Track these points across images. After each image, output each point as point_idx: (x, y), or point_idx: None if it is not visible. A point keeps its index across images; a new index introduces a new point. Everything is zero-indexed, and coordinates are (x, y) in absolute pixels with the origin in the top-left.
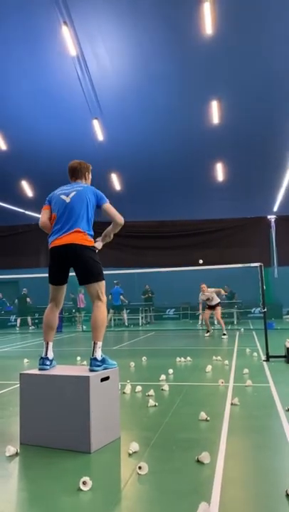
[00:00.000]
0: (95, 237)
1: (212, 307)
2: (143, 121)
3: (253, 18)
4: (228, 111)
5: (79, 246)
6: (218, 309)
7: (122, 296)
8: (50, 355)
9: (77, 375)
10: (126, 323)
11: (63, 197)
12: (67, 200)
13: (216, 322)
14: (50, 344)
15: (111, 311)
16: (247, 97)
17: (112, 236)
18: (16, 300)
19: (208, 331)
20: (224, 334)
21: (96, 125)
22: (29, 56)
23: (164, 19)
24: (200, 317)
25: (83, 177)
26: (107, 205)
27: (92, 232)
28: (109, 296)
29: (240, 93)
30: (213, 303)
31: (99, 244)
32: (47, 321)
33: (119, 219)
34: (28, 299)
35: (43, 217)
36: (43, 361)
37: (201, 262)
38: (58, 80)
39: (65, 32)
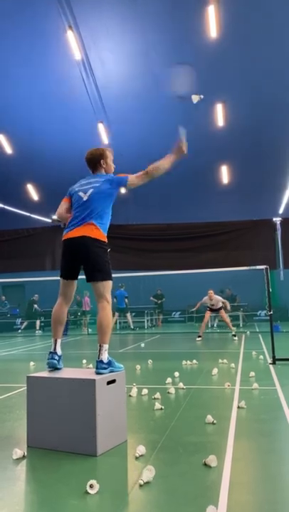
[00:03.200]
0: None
1: (214, 310)
2: (148, 124)
3: (259, 21)
4: (233, 114)
5: (90, 239)
6: (223, 311)
7: (126, 299)
8: (59, 351)
9: (83, 378)
10: (131, 326)
11: (81, 194)
12: (85, 198)
13: (215, 326)
14: (59, 341)
15: (116, 313)
16: (252, 99)
17: (162, 169)
18: (27, 304)
19: (200, 336)
20: (234, 335)
21: (101, 128)
22: (34, 60)
23: (169, 22)
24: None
25: (100, 166)
26: (132, 178)
27: (106, 226)
28: (114, 299)
29: (245, 96)
30: (217, 307)
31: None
32: (56, 316)
33: (158, 166)
34: (35, 306)
35: (60, 208)
36: (52, 355)
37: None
38: (63, 83)
39: (70, 36)
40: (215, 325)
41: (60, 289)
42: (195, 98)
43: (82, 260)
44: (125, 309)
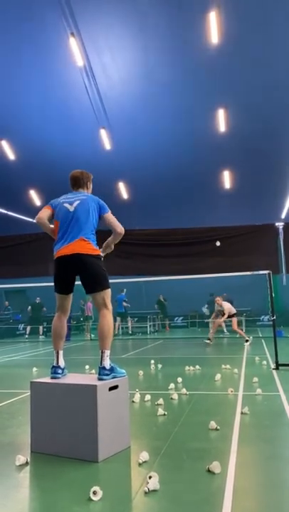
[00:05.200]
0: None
1: (228, 317)
2: (150, 130)
3: (259, 27)
4: (235, 119)
5: (84, 255)
6: (234, 320)
7: (124, 303)
8: (62, 363)
9: (85, 384)
10: (130, 331)
11: (67, 205)
12: (71, 208)
13: (225, 330)
14: (61, 352)
15: (118, 318)
16: (253, 104)
17: (112, 247)
18: (30, 307)
19: (209, 339)
20: (247, 340)
21: (103, 134)
22: (37, 66)
23: (170, 29)
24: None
25: (85, 186)
26: (109, 215)
27: (95, 240)
28: (114, 304)
29: (246, 101)
30: (228, 313)
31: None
32: (55, 330)
33: (120, 229)
34: (44, 308)
35: (41, 213)
36: (55, 370)
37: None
38: (66, 90)
39: (73, 43)
40: (225, 330)
41: (57, 303)
42: None
43: (78, 274)
44: (124, 314)
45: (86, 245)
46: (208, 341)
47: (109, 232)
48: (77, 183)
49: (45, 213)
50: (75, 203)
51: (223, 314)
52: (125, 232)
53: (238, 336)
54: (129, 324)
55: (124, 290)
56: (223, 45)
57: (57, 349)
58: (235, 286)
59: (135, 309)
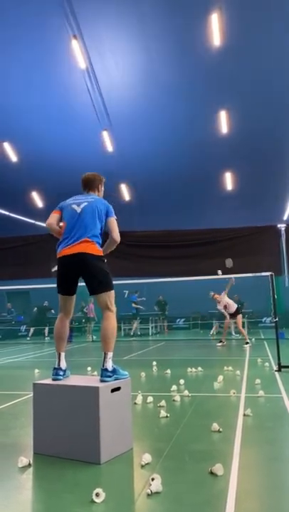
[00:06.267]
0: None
1: (233, 315)
2: (152, 132)
3: (262, 29)
4: (237, 121)
5: (88, 255)
6: (239, 318)
7: (133, 304)
8: (63, 365)
9: (87, 386)
10: (132, 333)
11: (74, 207)
12: (78, 210)
13: (233, 332)
14: (63, 354)
15: (134, 321)
16: (256, 106)
17: (107, 251)
18: (36, 308)
19: (221, 341)
20: (247, 343)
21: (105, 136)
22: (39, 69)
23: (172, 31)
24: (214, 327)
25: (96, 189)
26: (112, 220)
27: (100, 242)
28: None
29: (248, 103)
30: (232, 310)
31: None
32: (57, 332)
33: (117, 236)
34: (52, 311)
35: (50, 218)
36: (56, 372)
37: (219, 273)
38: (68, 92)
39: (75, 45)
40: (233, 332)
41: (60, 304)
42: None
43: (82, 275)
44: (135, 315)
45: (90, 246)
46: (220, 344)
47: (119, 234)
48: (88, 185)
49: (53, 218)
50: (82, 205)
51: (235, 314)
52: (127, 233)
53: (240, 336)
54: (134, 326)
55: (138, 292)
56: (225, 46)
57: (59, 351)
58: (237, 288)
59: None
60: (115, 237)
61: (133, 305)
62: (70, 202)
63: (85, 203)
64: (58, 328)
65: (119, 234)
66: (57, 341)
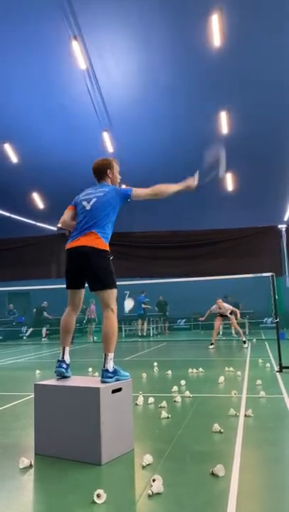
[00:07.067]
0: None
1: (224, 316)
2: (153, 133)
3: (262, 29)
4: (237, 121)
5: (90, 248)
6: (234, 320)
7: (143, 304)
8: (67, 359)
9: (87, 387)
10: (139, 333)
11: (84, 203)
12: (88, 207)
13: (233, 332)
14: (67, 349)
15: (139, 320)
16: (256, 107)
17: (169, 192)
18: (35, 309)
19: (212, 343)
20: (244, 342)
21: (106, 137)
22: (39, 70)
23: (173, 31)
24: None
25: (106, 176)
26: (134, 191)
27: (108, 236)
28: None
29: (249, 104)
30: (226, 313)
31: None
32: (64, 325)
33: (153, 189)
34: (45, 313)
35: (64, 215)
36: (60, 364)
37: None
38: (68, 93)
39: (75, 46)
40: (221, 332)
41: (68, 297)
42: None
43: (85, 270)
44: (143, 316)
45: (95, 239)
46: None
47: (121, 235)
48: (97, 174)
49: (67, 214)
50: (92, 201)
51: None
52: (126, 234)
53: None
54: (139, 327)
55: (145, 292)
56: (226, 47)
57: (64, 344)
58: (238, 289)
59: (137, 311)
60: (151, 190)
61: (143, 306)
62: (82, 197)
63: (95, 199)
64: (64, 321)
65: (154, 187)
66: (62, 334)
